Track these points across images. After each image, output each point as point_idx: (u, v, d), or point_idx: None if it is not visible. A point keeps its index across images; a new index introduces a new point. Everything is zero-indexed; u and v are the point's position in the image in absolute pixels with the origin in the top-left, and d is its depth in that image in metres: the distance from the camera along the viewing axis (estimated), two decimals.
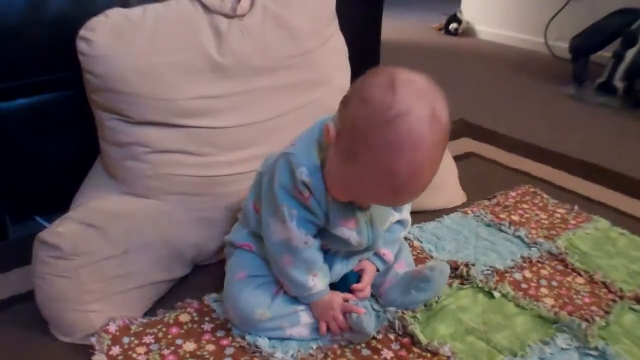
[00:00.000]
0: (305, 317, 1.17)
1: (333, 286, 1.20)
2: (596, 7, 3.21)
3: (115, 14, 1.34)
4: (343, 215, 1.10)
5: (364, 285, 1.23)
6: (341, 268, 1.21)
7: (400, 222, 1.29)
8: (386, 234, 1.24)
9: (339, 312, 1.15)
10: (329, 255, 1.18)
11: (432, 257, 1.43)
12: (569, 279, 1.36)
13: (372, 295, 1.28)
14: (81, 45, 1.30)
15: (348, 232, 1.12)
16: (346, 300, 1.17)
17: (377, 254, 1.26)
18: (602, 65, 2.95)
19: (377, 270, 1.27)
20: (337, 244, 1.15)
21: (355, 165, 0.97)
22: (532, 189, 1.81)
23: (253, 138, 1.42)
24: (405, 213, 1.29)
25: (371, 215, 1.14)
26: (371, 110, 0.93)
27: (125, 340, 1.14)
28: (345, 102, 1.00)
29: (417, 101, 0.93)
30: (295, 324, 1.16)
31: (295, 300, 1.17)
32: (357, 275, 1.24)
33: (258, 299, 1.15)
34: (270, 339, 1.15)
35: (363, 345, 1.15)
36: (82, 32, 1.30)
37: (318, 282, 1.14)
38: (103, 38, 1.30)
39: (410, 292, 1.22)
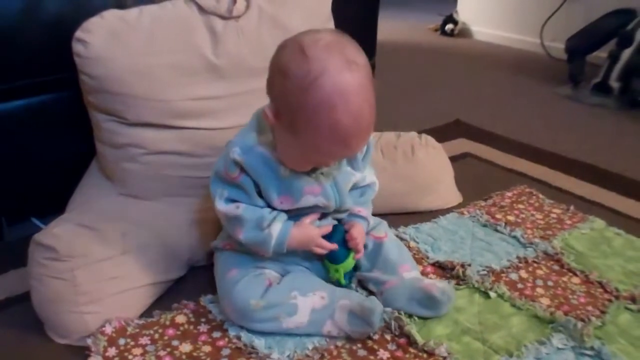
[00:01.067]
0: (302, 307, 1.16)
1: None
2: (592, 7, 3.23)
3: (110, 15, 1.34)
4: (307, 184, 1.16)
5: (356, 235, 1.24)
6: None
7: (368, 185, 1.32)
8: (359, 198, 1.30)
9: (318, 237, 1.20)
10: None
11: (427, 258, 1.43)
12: (564, 279, 1.37)
13: (372, 293, 1.28)
14: (77, 47, 1.30)
15: (314, 198, 1.18)
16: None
17: (353, 214, 1.28)
18: (598, 65, 2.96)
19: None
20: (307, 209, 1.20)
21: (302, 134, 1.03)
22: (528, 190, 1.81)
23: None
24: (370, 176, 1.31)
25: (334, 178, 1.19)
26: (293, 81, 1.01)
27: (122, 341, 1.14)
28: (269, 84, 1.08)
29: (329, 56, 1.00)
30: (292, 313, 1.16)
31: (290, 288, 1.18)
32: (344, 230, 1.26)
33: (252, 290, 1.17)
34: (266, 339, 1.15)
35: (359, 345, 1.15)
36: (78, 33, 1.30)
37: (273, 227, 1.16)
38: (99, 40, 1.30)
39: (413, 303, 1.22)
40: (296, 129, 1.03)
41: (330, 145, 1.04)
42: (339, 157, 1.14)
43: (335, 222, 1.26)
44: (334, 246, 1.21)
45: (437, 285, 1.22)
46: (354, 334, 1.17)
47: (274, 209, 1.17)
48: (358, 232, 1.24)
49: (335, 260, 1.24)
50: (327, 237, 1.22)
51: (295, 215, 1.20)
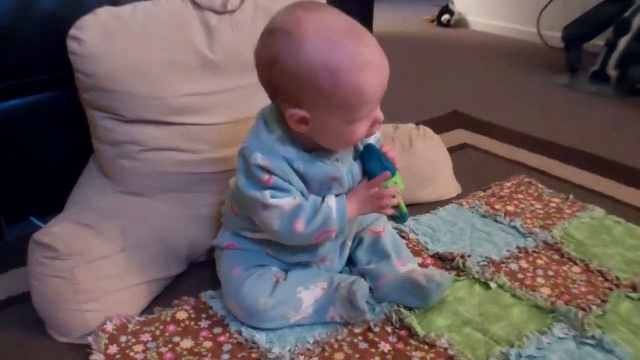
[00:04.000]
0: (306, 299, 1.17)
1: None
2: None
3: (105, 12, 1.33)
4: (326, 172, 1.13)
5: (388, 148, 1.20)
6: None
7: None
8: None
9: (372, 193, 1.15)
10: None
11: (427, 250, 1.44)
12: (565, 268, 1.37)
13: (369, 289, 1.28)
14: (71, 45, 1.30)
15: (333, 183, 1.14)
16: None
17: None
18: (595, 53, 2.96)
19: None
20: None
21: (329, 92, 1.00)
22: (526, 179, 1.81)
23: (246, 134, 1.41)
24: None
25: (350, 166, 1.17)
26: (285, 56, 0.99)
27: (123, 339, 1.14)
28: (273, 90, 1.07)
29: (291, 13, 1.02)
30: (298, 308, 1.17)
31: (295, 283, 1.18)
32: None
33: (260, 288, 1.16)
34: (267, 334, 1.15)
35: (360, 338, 1.15)
36: (72, 31, 1.30)
37: (328, 201, 1.13)
38: (93, 37, 1.29)
39: (405, 294, 1.22)
40: (321, 91, 1.00)
41: (357, 73, 0.99)
42: (378, 88, 1.05)
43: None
44: (386, 174, 1.14)
45: (427, 273, 1.22)
46: (350, 320, 1.18)
47: None
48: (388, 146, 1.20)
49: (386, 167, 1.16)
50: (366, 160, 1.19)
51: None
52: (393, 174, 1.15)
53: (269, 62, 1.03)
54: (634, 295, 1.27)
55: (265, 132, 1.10)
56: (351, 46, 0.99)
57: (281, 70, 1.01)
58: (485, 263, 1.37)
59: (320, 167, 1.12)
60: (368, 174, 1.17)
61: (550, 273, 1.35)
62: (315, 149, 1.12)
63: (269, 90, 1.08)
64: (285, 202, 1.09)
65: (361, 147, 1.21)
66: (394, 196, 1.15)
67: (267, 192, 1.08)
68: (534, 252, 1.43)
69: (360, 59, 1.00)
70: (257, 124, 1.13)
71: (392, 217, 1.23)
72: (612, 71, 2.83)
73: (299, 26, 0.98)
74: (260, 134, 1.11)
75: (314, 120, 1.04)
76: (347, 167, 1.16)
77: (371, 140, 1.22)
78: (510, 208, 1.63)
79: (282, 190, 1.09)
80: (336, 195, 1.14)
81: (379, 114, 1.10)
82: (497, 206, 1.64)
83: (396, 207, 1.17)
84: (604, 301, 1.25)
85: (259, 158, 1.07)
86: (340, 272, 1.30)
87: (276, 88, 1.05)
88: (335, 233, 1.14)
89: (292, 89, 1.02)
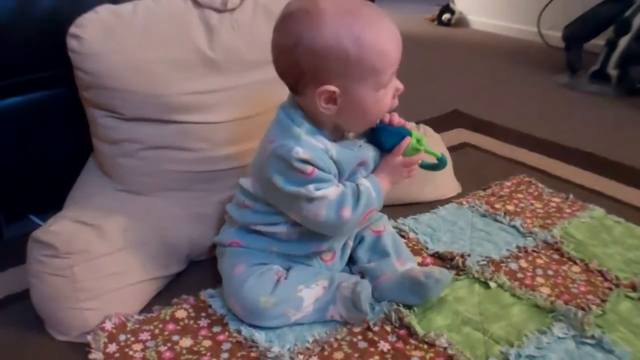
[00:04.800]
0: (307, 298, 1.17)
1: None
2: None
3: (105, 10, 1.33)
4: (356, 157, 1.16)
5: (394, 116, 1.23)
6: None
7: None
8: None
9: (399, 161, 1.19)
10: None
11: (427, 249, 1.43)
12: (564, 267, 1.37)
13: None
14: (71, 43, 1.30)
15: (362, 168, 1.18)
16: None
17: None
18: (596, 53, 2.96)
19: None
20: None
21: (364, 72, 1.05)
22: (526, 179, 1.81)
23: (246, 132, 1.41)
24: None
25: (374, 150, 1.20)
26: (307, 35, 1.03)
27: (122, 337, 1.14)
28: (296, 75, 1.08)
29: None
30: (298, 307, 1.17)
31: (296, 282, 1.19)
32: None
33: (261, 287, 1.16)
34: (267, 333, 1.15)
35: (359, 337, 1.15)
36: (72, 29, 1.29)
37: (363, 182, 1.16)
38: (93, 35, 1.29)
39: (405, 292, 1.22)
40: (347, 59, 1.03)
41: (390, 43, 1.07)
42: (399, 59, 1.11)
43: None
44: (407, 140, 1.18)
45: (425, 270, 1.22)
46: (350, 320, 1.18)
47: None
48: (387, 117, 1.21)
49: (402, 133, 1.19)
50: (379, 137, 1.20)
51: None
52: (408, 132, 1.19)
53: (291, 46, 1.04)
54: (633, 295, 1.27)
55: (295, 126, 1.11)
56: (368, 14, 1.05)
57: (306, 50, 1.03)
58: (485, 262, 1.37)
59: (350, 153, 1.15)
60: (387, 148, 1.19)
61: (550, 273, 1.34)
62: (339, 139, 1.16)
63: (292, 76, 1.09)
64: (331, 191, 1.11)
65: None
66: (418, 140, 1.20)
67: (312, 186, 1.09)
68: (534, 251, 1.42)
69: (378, 24, 1.06)
70: (281, 121, 1.14)
71: (433, 167, 1.26)
72: (612, 71, 2.83)
73: (316, 4, 1.03)
74: (290, 129, 1.11)
75: (343, 94, 1.07)
76: (372, 152, 1.19)
77: None
78: (510, 207, 1.63)
79: (324, 181, 1.11)
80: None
81: (398, 82, 1.14)
82: (497, 205, 1.63)
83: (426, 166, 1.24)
84: (603, 301, 1.25)
85: (300, 152, 1.07)
86: (341, 271, 1.30)
87: (301, 71, 1.06)
88: (376, 211, 1.20)
89: (319, 66, 1.05)
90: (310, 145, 1.09)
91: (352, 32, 1.02)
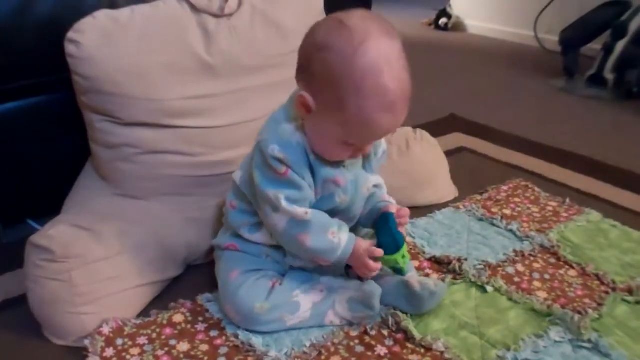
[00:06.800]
0: (304, 303, 1.17)
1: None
2: None
3: (102, 15, 1.34)
4: (332, 174, 1.14)
5: (404, 213, 1.21)
6: None
7: (376, 186, 1.28)
8: (371, 200, 1.25)
9: (366, 257, 1.14)
10: None
11: (424, 253, 1.44)
12: (561, 271, 1.37)
13: None
14: (69, 48, 1.30)
15: (336, 189, 1.15)
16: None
17: (382, 201, 1.25)
18: (592, 57, 2.96)
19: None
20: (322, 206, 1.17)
21: (347, 107, 1.01)
22: (523, 183, 1.81)
23: (244, 137, 1.41)
24: (377, 178, 1.28)
25: (356, 175, 1.18)
26: (336, 51, 1.00)
27: (119, 341, 1.14)
28: (305, 66, 1.07)
29: (369, 24, 1.01)
30: (295, 311, 1.17)
31: (292, 287, 1.19)
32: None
33: (256, 293, 1.16)
34: (264, 337, 1.15)
35: (356, 342, 1.15)
36: (70, 34, 1.30)
37: (341, 236, 1.14)
38: (91, 40, 1.30)
39: (399, 297, 1.22)
40: (341, 104, 1.01)
41: (375, 114, 1.02)
42: (381, 135, 1.10)
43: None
44: (380, 252, 1.14)
45: (422, 280, 1.22)
46: (355, 320, 1.19)
47: None
48: (404, 211, 1.21)
49: (398, 244, 1.16)
50: (382, 226, 1.19)
51: None
52: (401, 247, 1.16)
53: (320, 45, 1.03)
54: (630, 298, 1.27)
55: (286, 122, 1.11)
56: (390, 91, 1.00)
57: (324, 59, 1.02)
58: (482, 266, 1.37)
59: (325, 167, 1.13)
60: (378, 243, 1.17)
61: (547, 277, 1.35)
62: None
63: (301, 63, 1.09)
64: (299, 213, 1.10)
65: (373, 159, 1.22)
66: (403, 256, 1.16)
67: (283, 195, 1.09)
68: (531, 255, 1.43)
69: (389, 105, 1.02)
70: (276, 115, 1.14)
71: (393, 269, 1.21)
72: (609, 75, 2.84)
73: (367, 41, 0.99)
74: (280, 124, 1.11)
75: (315, 114, 1.06)
76: (352, 175, 1.17)
77: (379, 155, 1.25)
78: (507, 212, 1.63)
79: (295, 187, 1.10)
80: (349, 228, 1.18)
81: (368, 149, 1.14)
82: (493, 210, 1.64)
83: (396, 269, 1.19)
84: (600, 305, 1.25)
85: (276, 150, 1.08)
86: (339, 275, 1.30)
87: (308, 67, 1.06)
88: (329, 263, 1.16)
89: (320, 79, 1.03)
90: (290, 145, 1.09)
91: (363, 88, 0.99)
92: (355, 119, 1.02)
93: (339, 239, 1.13)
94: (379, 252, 1.14)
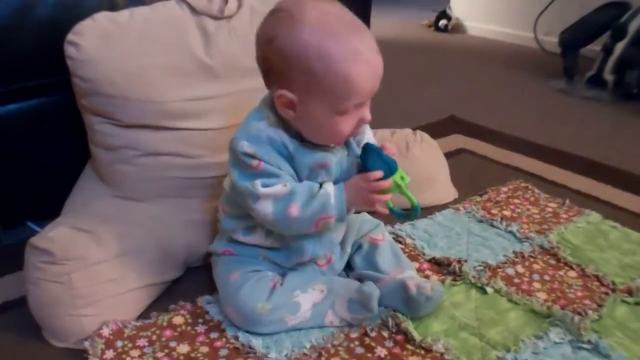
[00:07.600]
0: (304, 303, 1.17)
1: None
2: (585, 0, 3.22)
3: (102, 17, 1.34)
4: (315, 159, 1.13)
5: (389, 144, 1.19)
6: None
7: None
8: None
9: (366, 191, 1.12)
10: None
11: (424, 255, 1.44)
12: (561, 273, 1.37)
13: None
14: (69, 50, 1.30)
15: (321, 171, 1.15)
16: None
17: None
18: (592, 58, 2.97)
19: None
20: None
21: (319, 75, 1.02)
22: (523, 184, 1.81)
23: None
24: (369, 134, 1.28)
25: (341, 158, 1.18)
26: (284, 33, 1.03)
27: (119, 344, 1.14)
28: (267, 68, 1.09)
29: (312, 1, 1.05)
30: (295, 312, 1.17)
31: (292, 287, 1.19)
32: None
33: (257, 293, 1.16)
34: (264, 339, 1.15)
35: (357, 343, 1.15)
36: (70, 36, 1.30)
37: (326, 187, 1.12)
38: (91, 42, 1.30)
39: (397, 299, 1.22)
40: (312, 74, 1.02)
41: (346, 62, 1.01)
42: (367, 82, 1.05)
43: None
44: (376, 175, 1.10)
45: (419, 284, 1.20)
46: (354, 321, 1.18)
47: None
48: (387, 144, 1.19)
49: (391, 167, 1.13)
50: (369, 156, 1.15)
51: None
52: (395, 170, 1.13)
53: (267, 39, 1.05)
54: (630, 300, 1.27)
55: (255, 120, 1.13)
56: (349, 38, 1.03)
57: (277, 48, 1.03)
58: (482, 268, 1.37)
59: (309, 153, 1.13)
60: (369, 171, 1.13)
61: (547, 278, 1.35)
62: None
63: (263, 69, 1.10)
64: (277, 189, 1.10)
65: (357, 149, 1.21)
66: (402, 177, 1.14)
67: (258, 182, 1.09)
68: (531, 256, 1.43)
69: (355, 51, 1.03)
70: (250, 114, 1.16)
71: (404, 216, 1.19)
72: (608, 76, 2.84)
73: (302, 10, 1.03)
74: (249, 122, 1.13)
75: (300, 105, 1.06)
76: (337, 158, 1.16)
77: (369, 140, 1.23)
78: (507, 213, 1.63)
79: (273, 176, 1.10)
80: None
81: (367, 113, 1.11)
82: (493, 211, 1.64)
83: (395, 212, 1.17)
84: (600, 306, 1.25)
85: (245, 145, 1.09)
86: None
87: (270, 66, 1.07)
88: (334, 220, 1.13)
89: (284, 69, 1.04)
90: (258, 139, 1.09)
91: (322, 50, 1.01)
92: (332, 82, 1.02)
93: (325, 190, 1.12)
94: (375, 174, 1.11)
